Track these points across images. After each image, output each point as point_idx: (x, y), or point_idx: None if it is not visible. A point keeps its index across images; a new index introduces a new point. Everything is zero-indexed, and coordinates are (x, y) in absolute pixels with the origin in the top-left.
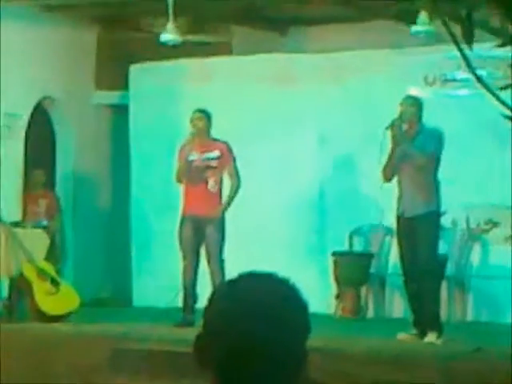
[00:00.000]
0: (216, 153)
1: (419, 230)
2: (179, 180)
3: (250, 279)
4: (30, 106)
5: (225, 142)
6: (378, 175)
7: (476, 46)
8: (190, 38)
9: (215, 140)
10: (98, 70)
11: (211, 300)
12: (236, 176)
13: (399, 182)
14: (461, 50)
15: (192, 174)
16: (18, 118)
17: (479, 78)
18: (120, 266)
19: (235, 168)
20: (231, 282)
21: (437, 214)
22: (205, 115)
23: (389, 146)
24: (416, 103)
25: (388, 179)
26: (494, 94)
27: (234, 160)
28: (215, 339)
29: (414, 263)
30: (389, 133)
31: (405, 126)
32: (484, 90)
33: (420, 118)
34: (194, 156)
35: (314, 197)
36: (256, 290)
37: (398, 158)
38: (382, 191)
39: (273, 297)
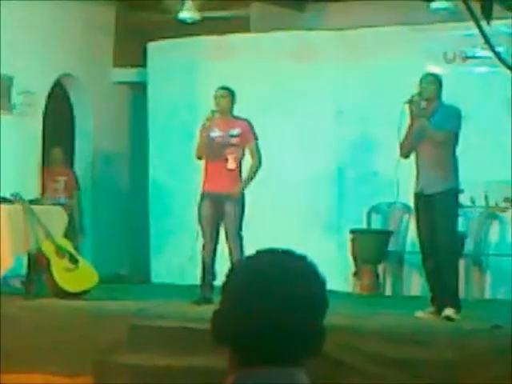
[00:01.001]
0: (237, 130)
1: (438, 207)
2: (199, 157)
3: (268, 256)
4: (48, 84)
5: (246, 120)
6: (395, 152)
7: (495, 23)
8: (208, 14)
9: (237, 118)
10: (116, 48)
11: (229, 276)
12: (257, 154)
13: (417, 160)
14: (479, 27)
15: (213, 151)
16: (37, 95)
17: (498, 55)
18: (138, 242)
19: (256, 146)
20: (249, 258)
21: (455, 191)
22: (229, 92)
23: (407, 121)
24: (436, 80)
25: (405, 155)
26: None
27: (256, 138)
28: (233, 315)
29: (432, 240)
30: (407, 108)
31: (424, 103)
32: (503, 67)
33: (439, 95)
34: (216, 133)
35: (331, 173)
36: (274, 267)
37: (416, 134)
38: (400, 168)
39: (290, 273)
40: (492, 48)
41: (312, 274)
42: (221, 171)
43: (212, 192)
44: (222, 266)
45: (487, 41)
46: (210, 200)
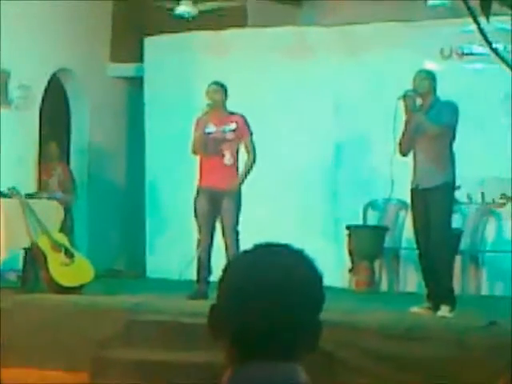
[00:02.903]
0: (233, 125)
1: (434, 201)
2: (195, 152)
3: (265, 251)
4: (45, 78)
5: (241, 115)
6: (392, 148)
7: (493, 19)
8: (205, 9)
9: (232, 113)
10: (113, 43)
11: (225, 271)
12: (252, 149)
13: (414, 155)
14: (477, 23)
15: (208, 147)
16: (34, 89)
17: (495, 51)
18: (134, 237)
19: (251, 141)
20: (245, 253)
21: (451, 186)
22: (221, 87)
23: (402, 117)
24: (429, 76)
25: (404, 153)
26: (509, 67)
27: (251, 133)
28: (229, 310)
29: (428, 236)
30: (402, 104)
31: (419, 100)
32: (500, 64)
33: (434, 90)
34: (211, 128)
35: (328, 169)
36: (270, 262)
37: (412, 130)
38: (396, 164)
39: (287, 268)
40: (490, 45)
41: (309, 268)
42: (217, 166)
43: (208, 187)
44: (218, 261)
45: (485, 38)
46: (207, 195)
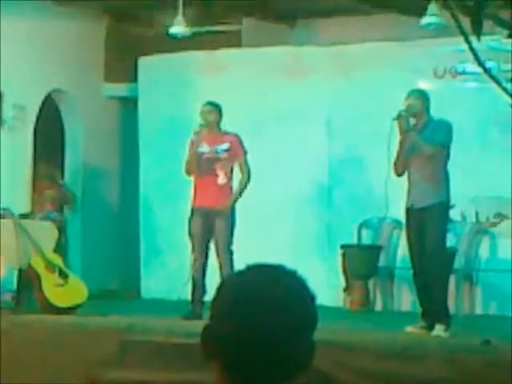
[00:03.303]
0: (226, 145)
1: (429, 221)
2: (188, 172)
3: (258, 271)
4: (39, 99)
5: (235, 135)
6: (386, 167)
7: (486, 39)
8: (199, 30)
9: (225, 132)
10: (107, 63)
11: (218, 292)
12: (246, 169)
13: (409, 174)
14: (468, 42)
15: (202, 167)
16: (28, 110)
17: (487, 70)
18: (128, 257)
19: (245, 161)
20: (239, 273)
21: (446, 205)
22: (215, 108)
23: (397, 138)
24: (422, 96)
25: (399, 173)
26: (501, 87)
27: (245, 153)
28: (222, 331)
29: (423, 255)
30: (396, 125)
31: (412, 120)
32: (491, 83)
33: (427, 110)
34: (204, 148)
35: (322, 188)
36: (263, 282)
37: (407, 150)
38: (391, 184)
39: (280, 288)
40: (481, 64)
41: (301, 289)
42: (211, 186)
43: (202, 207)
44: (213, 281)
45: (476, 57)
46: (201, 215)
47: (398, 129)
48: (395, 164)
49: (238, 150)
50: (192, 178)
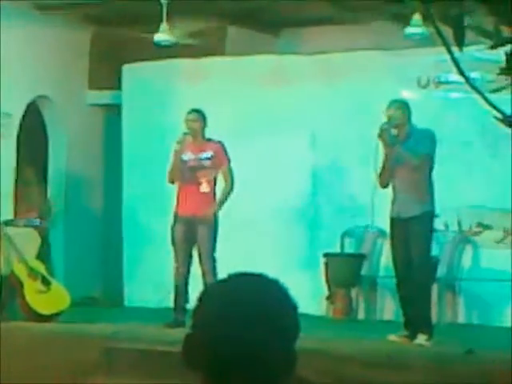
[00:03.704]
0: (210, 153)
1: (414, 230)
2: (171, 180)
3: (240, 279)
4: (23, 105)
5: (220, 143)
6: (370, 177)
7: (471, 49)
8: (184, 38)
9: (209, 140)
10: (91, 70)
11: (200, 300)
12: (230, 177)
13: (393, 185)
14: (450, 52)
15: (185, 175)
16: (11, 116)
17: (469, 81)
18: (111, 265)
19: (229, 169)
20: (221, 282)
21: (431, 215)
22: (200, 115)
23: (382, 153)
24: (402, 106)
25: (385, 186)
26: (483, 97)
27: (229, 161)
28: (204, 340)
29: (408, 265)
30: (380, 140)
31: (394, 131)
32: (475, 93)
33: (409, 119)
34: (188, 156)
35: (305, 197)
36: (245, 291)
37: (391, 162)
38: (375, 193)
39: (262, 297)
40: (463, 74)
41: (284, 297)
42: (194, 194)
43: (185, 215)
44: (196, 290)
45: (458, 67)
46: (184, 223)
47: (381, 144)
48: (380, 176)
49: (222, 158)
50: (175, 186)
